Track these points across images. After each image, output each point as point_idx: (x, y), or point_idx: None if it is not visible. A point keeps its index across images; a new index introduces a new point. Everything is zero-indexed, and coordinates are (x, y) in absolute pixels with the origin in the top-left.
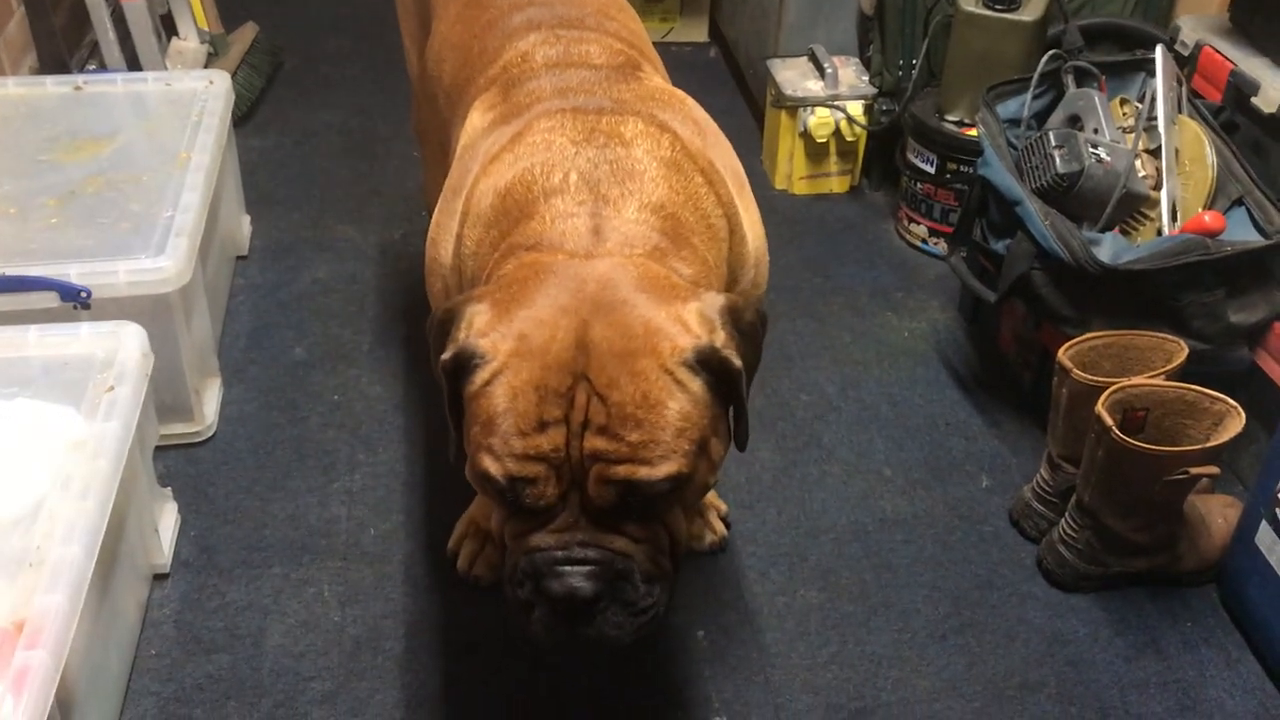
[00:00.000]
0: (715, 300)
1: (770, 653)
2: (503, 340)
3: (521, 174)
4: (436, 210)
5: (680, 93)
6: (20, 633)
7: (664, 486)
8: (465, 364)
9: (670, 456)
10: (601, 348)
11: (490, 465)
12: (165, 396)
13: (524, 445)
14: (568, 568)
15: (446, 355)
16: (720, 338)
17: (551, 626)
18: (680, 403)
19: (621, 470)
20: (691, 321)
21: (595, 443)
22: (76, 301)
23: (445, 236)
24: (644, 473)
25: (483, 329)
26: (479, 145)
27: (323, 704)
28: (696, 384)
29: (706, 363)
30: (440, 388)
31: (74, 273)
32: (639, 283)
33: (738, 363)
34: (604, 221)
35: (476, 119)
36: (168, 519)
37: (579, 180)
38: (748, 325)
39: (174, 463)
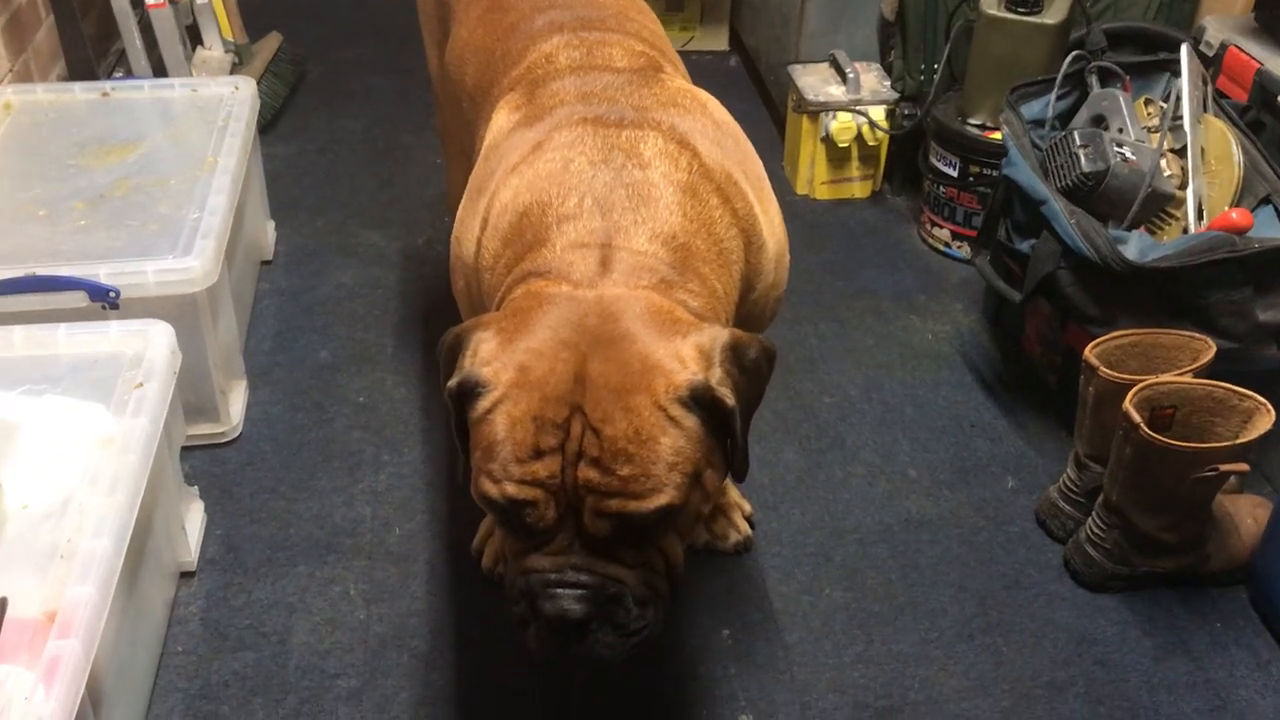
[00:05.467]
0: (718, 336)
1: (796, 651)
2: (504, 370)
3: (539, 196)
4: (460, 208)
5: (702, 94)
6: (52, 623)
7: (655, 517)
8: (469, 391)
9: (662, 489)
10: (598, 382)
11: (490, 489)
12: (191, 397)
13: (521, 471)
14: (560, 590)
15: (452, 382)
16: (716, 374)
17: (545, 643)
18: (673, 438)
19: (614, 504)
20: (689, 357)
21: (588, 474)
22: (105, 301)
23: (469, 234)
24: (634, 505)
25: (486, 358)
26: (502, 146)
27: (348, 701)
28: (690, 420)
29: (700, 399)
30: (448, 409)
31: (103, 273)
32: (641, 317)
33: (731, 401)
34: (613, 253)
35: (502, 119)
36: (194, 518)
37: (593, 205)
38: (750, 362)
39: (200, 463)
